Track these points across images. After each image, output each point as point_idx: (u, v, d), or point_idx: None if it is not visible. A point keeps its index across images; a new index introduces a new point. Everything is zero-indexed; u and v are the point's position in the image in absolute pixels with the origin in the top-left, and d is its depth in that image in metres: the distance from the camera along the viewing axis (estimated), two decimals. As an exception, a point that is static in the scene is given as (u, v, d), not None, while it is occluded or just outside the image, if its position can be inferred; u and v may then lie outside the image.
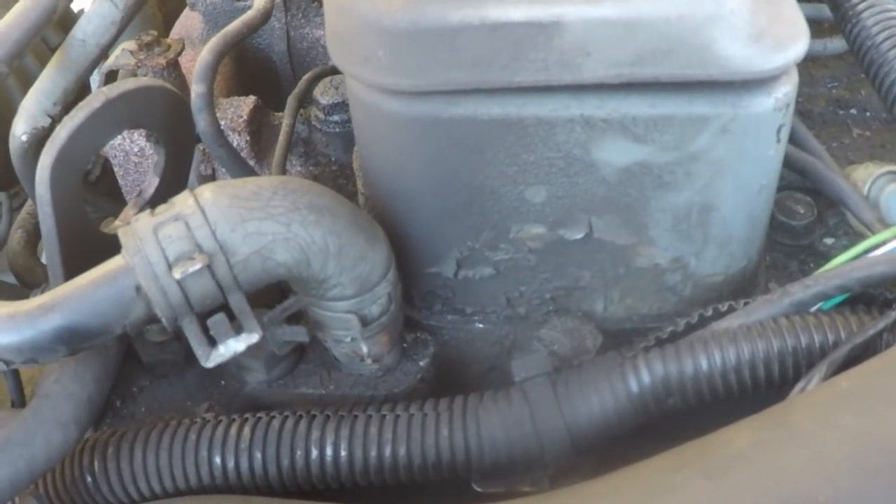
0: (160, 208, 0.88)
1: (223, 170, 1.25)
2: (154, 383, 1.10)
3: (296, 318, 1.01)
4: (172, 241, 0.85)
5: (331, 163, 1.30)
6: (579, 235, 0.99)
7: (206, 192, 0.88)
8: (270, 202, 0.88)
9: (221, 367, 0.99)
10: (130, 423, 1.06)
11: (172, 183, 1.12)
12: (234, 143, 1.26)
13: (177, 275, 0.84)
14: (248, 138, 1.27)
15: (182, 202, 0.87)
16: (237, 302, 0.88)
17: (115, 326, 0.87)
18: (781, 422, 0.76)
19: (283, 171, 1.21)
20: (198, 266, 0.84)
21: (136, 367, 1.10)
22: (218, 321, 0.88)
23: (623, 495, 0.76)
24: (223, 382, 1.08)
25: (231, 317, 0.89)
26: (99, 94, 1.02)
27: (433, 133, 0.93)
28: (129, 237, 0.86)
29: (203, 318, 0.89)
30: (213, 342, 0.89)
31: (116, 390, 1.08)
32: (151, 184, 1.13)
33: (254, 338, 0.89)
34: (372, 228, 0.96)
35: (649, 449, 1.03)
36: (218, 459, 0.94)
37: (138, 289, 0.86)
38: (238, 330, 0.89)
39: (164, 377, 1.11)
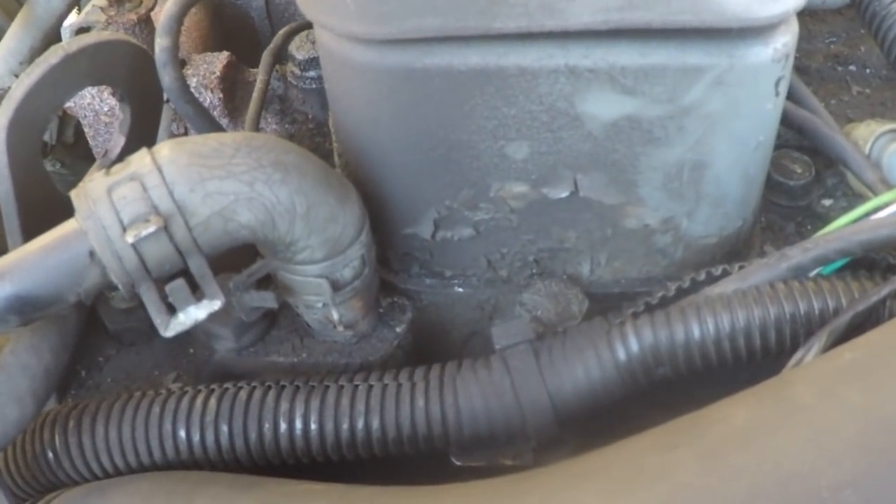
0: (116, 168, 0.80)
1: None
2: (120, 352, 1.02)
3: (265, 282, 0.92)
4: (127, 203, 0.76)
5: (307, 120, 1.20)
6: (564, 194, 0.90)
7: (164, 149, 0.79)
8: (233, 160, 0.80)
9: (190, 335, 0.92)
10: (96, 393, 0.98)
11: (140, 142, 1.03)
12: (207, 101, 1.17)
13: (130, 238, 0.75)
14: (221, 95, 1.17)
15: (138, 161, 0.79)
16: (198, 266, 0.80)
17: (68, 294, 0.79)
18: (780, 396, 0.68)
19: (257, 130, 1.12)
20: (152, 229, 0.75)
21: (101, 335, 1.02)
22: (177, 287, 0.80)
23: (611, 476, 0.68)
24: (192, 351, 1.00)
25: (194, 284, 0.81)
26: (57, 50, 0.93)
27: (406, 85, 0.84)
28: (81, 199, 0.78)
29: (163, 284, 0.80)
30: (172, 309, 0.81)
31: (81, 360, 1.00)
32: (117, 143, 1.04)
33: (216, 304, 0.81)
34: (343, 187, 0.87)
35: (639, 420, 0.95)
36: (183, 433, 0.86)
37: (92, 254, 0.78)
38: (199, 296, 0.81)
39: (131, 346, 1.02)
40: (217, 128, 1.09)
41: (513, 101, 0.84)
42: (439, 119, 0.86)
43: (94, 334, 1.01)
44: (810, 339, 0.76)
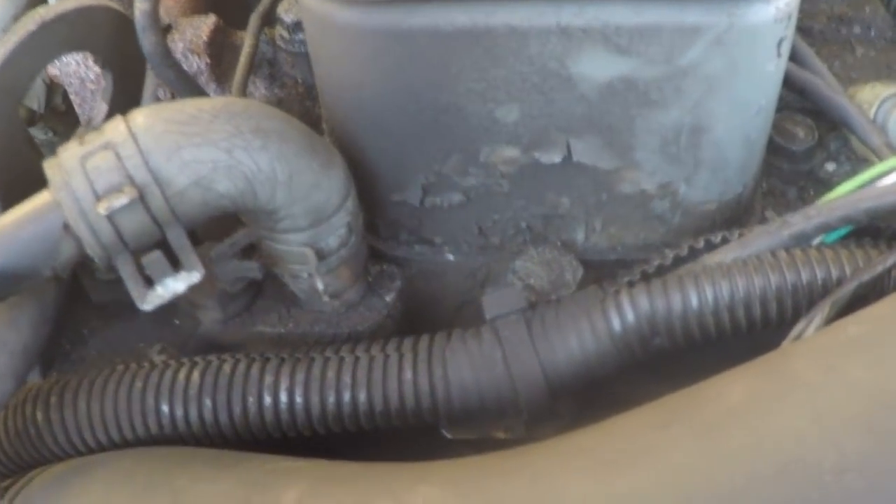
0: (90, 136, 0.74)
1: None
2: (105, 324, 0.96)
3: (250, 251, 0.87)
4: (101, 173, 0.71)
5: (297, 84, 1.14)
6: (557, 159, 0.85)
7: (139, 116, 0.74)
8: (211, 126, 0.75)
9: (175, 306, 0.87)
10: (81, 367, 0.93)
11: (124, 109, 0.98)
12: (194, 66, 1.11)
13: (102, 210, 0.70)
14: (208, 60, 1.11)
15: (113, 129, 0.74)
16: (176, 237, 0.75)
17: (43, 268, 0.74)
18: (780, 372, 0.62)
19: (244, 94, 1.06)
20: (124, 200, 0.71)
21: (86, 307, 0.96)
22: (154, 259, 0.75)
23: (602, 455, 0.62)
24: (177, 322, 0.94)
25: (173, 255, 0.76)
26: (34, 16, 0.88)
27: (391, 46, 0.78)
28: (55, 170, 0.73)
29: (142, 255, 0.75)
30: (150, 282, 0.76)
31: (65, 333, 0.95)
32: (100, 111, 0.99)
33: (195, 276, 0.76)
34: (327, 154, 0.81)
35: (638, 389, 0.90)
36: (166, 408, 0.81)
37: (66, 226, 0.72)
38: (179, 268, 0.76)
39: (116, 317, 0.97)
40: (201, 93, 1.02)
41: (502, 62, 0.78)
42: (426, 82, 0.80)
43: (79, 306, 0.96)
44: (812, 310, 0.71)
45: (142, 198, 0.71)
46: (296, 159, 0.77)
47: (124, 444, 0.82)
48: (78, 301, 0.96)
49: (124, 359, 0.93)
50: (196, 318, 0.91)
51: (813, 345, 0.64)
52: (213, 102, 0.78)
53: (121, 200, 0.70)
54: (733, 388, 0.62)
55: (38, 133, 1.46)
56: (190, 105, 0.77)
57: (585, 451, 0.63)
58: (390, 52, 0.79)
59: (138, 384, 0.81)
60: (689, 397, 0.64)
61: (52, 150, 0.98)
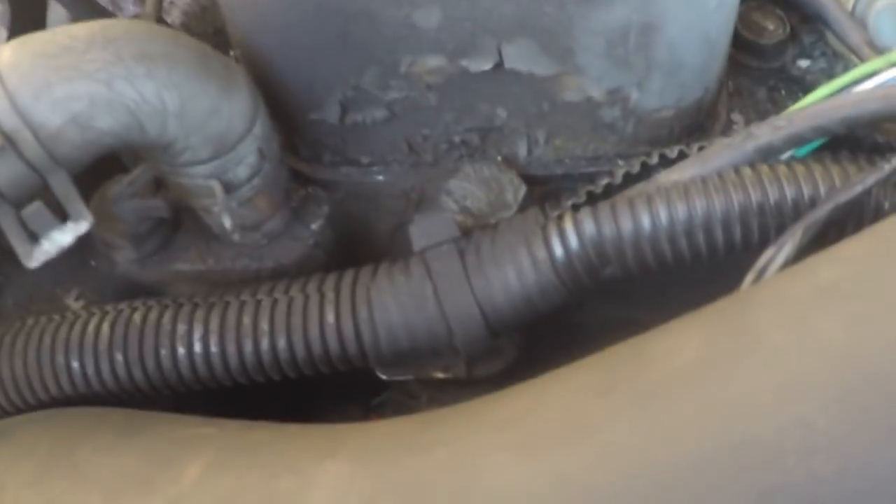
0: (-46, 80, 0.60)
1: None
2: (19, 271, 0.82)
3: (158, 185, 0.73)
4: None
5: (219, -13, 0.97)
6: (487, 66, 0.70)
7: (6, 52, 0.61)
8: (85, 56, 0.61)
9: (90, 247, 0.75)
10: (-1, 319, 0.80)
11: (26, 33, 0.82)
12: (105, -27, 0.93)
13: None
14: (118, -36, 0.94)
15: None
16: (59, 184, 0.62)
17: None
18: (740, 327, 0.49)
19: (160, 6, 0.89)
20: None
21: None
22: (34, 212, 0.62)
23: (531, 428, 0.50)
24: (93, 264, 0.80)
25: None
26: None
27: (283, -54, 0.62)
28: None
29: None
30: (36, 237, 0.63)
31: (-20, 284, 0.82)
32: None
33: (82, 226, 0.63)
34: (227, 74, 0.66)
35: (588, 317, 0.78)
36: (76, 364, 0.68)
37: (-64, 183, 0.59)
38: (64, 218, 0.63)
39: (30, 263, 0.83)
40: (99, 11, 0.86)
41: (414, -41, 0.61)
42: (329, -14, 0.64)
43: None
44: (783, 235, 0.57)
45: (13, 144, 0.58)
46: (187, 85, 0.63)
47: (40, 405, 0.70)
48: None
49: (41, 306, 0.80)
50: (111, 258, 0.77)
51: (779, 292, 0.50)
52: (90, 28, 0.63)
53: (-19, 154, 0.57)
54: (685, 344, 0.49)
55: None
56: (62, 34, 0.62)
57: (512, 422, 0.51)
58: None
59: (47, 340, 0.69)
60: (633, 354, 0.51)
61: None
